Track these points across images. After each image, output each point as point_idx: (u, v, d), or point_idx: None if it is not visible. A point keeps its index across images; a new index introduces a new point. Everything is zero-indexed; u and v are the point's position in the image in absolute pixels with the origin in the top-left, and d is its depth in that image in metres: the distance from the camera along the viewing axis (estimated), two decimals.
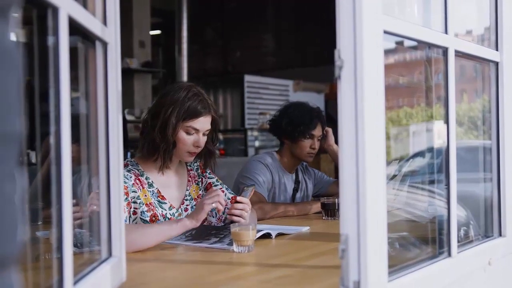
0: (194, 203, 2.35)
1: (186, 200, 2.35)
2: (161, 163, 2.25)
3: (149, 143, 2.22)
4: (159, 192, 2.25)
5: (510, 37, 1.85)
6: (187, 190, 2.36)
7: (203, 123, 2.23)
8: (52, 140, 1.03)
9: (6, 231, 0.56)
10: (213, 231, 2.15)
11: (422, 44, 1.60)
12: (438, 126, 1.90)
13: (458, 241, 1.57)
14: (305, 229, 2.36)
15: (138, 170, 2.23)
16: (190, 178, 2.39)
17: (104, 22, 1.37)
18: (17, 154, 0.59)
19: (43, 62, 1.05)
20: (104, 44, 1.36)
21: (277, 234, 2.17)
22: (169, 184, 2.30)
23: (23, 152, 0.62)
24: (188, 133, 2.21)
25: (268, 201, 2.92)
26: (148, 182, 2.23)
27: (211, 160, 2.38)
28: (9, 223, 0.56)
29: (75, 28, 1.14)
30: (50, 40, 1.04)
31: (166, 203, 2.25)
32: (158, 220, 2.20)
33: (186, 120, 2.19)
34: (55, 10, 1.01)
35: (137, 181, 2.19)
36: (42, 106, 1.08)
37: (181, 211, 2.30)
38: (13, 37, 0.59)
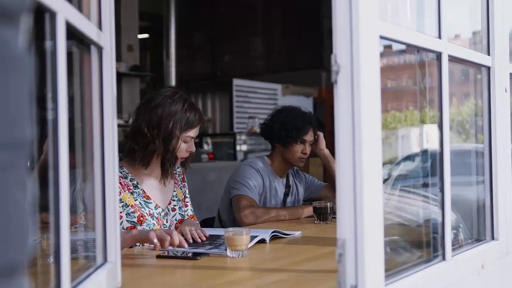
0: (181, 204, 2.45)
1: (174, 200, 2.43)
2: (165, 174, 2.33)
3: (149, 154, 2.27)
4: (145, 192, 2.31)
5: (501, 41, 1.87)
6: (174, 191, 2.44)
7: (197, 130, 2.36)
8: (50, 144, 1.02)
9: (18, 238, 0.56)
10: (207, 240, 2.14)
11: (410, 48, 1.61)
12: (427, 130, 1.92)
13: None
14: (297, 233, 2.36)
15: (121, 173, 2.25)
16: (176, 181, 2.48)
17: (99, 26, 1.36)
18: (27, 161, 0.59)
19: (40, 66, 1.05)
20: (100, 49, 1.36)
21: (271, 237, 2.17)
22: (155, 186, 2.36)
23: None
24: (185, 142, 2.31)
25: (259, 206, 2.92)
26: (133, 184, 2.29)
27: (190, 158, 2.44)
28: (21, 229, 0.56)
29: (71, 33, 1.13)
30: (47, 44, 1.03)
31: (151, 202, 2.31)
32: (146, 219, 2.25)
33: (186, 131, 2.29)
34: (53, 14, 1.00)
35: (119, 184, 2.22)
36: (37, 111, 1.07)
37: (168, 210, 2.38)
38: (23, 43, 0.59)
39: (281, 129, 3.02)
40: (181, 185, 2.50)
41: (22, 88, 0.57)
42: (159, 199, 2.35)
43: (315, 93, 8.71)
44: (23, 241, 0.57)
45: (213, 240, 2.14)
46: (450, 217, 1.55)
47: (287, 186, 3.17)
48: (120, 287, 1.43)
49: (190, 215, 2.47)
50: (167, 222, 2.36)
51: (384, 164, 2.30)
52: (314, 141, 3.11)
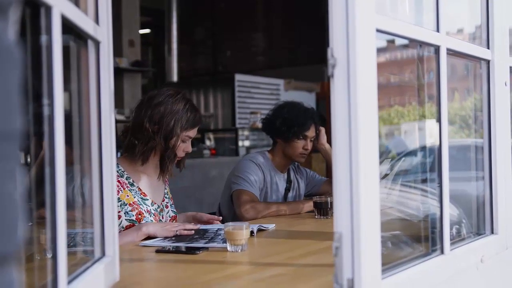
0: (171, 202, 2.50)
1: (166, 198, 2.47)
2: (164, 171, 2.36)
3: (149, 150, 2.30)
4: (140, 189, 2.34)
5: (501, 35, 1.86)
6: (165, 189, 2.49)
7: (196, 131, 2.39)
8: (45, 140, 1.02)
9: (8, 228, 0.56)
10: (195, 235, 2.14)
11: (413, 43, 1.61)
12: (430, 125, 1.91)
13: (451, 239, 1.58)
14: (271, 226, 2.39)
15: (117, 171, 2.26)
16: (166, 180, 2.51)
17: (97, 21, 1.36)
18: (17, 153, 0.60)
19: (35, 60, 1.05)
20: (97, 43, 1.36)
21: (257, 230, 2.23)
22: (149, 183, 2.40)
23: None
24: (183, 141, 2.34)
25: (260, 201, 2.92)
26: (128, 182, 2.32)
27: (185, 158, 2.46)
28: (11, 221, 0.56)
29: (67, 27, 1.13)
30: (43, 38, 1.03)
31: (148, 199, 2.35)
32: (145, 217, 2.28)
33: (186, 130, 2.32)
34: (48, 8, 1.00)
35: (117, 182, 2.24)
36: (34, 106, 1.07)
37: (163, 207, 2.43)
38: (12, 36, 0.59)
39: (283, 125, 3.02)
40: (168, 184, 2.55)
41: (11, 80, 0.57)
42: (154, 196, 2.39)
43: (318, 88, 8.70)
44: (13, 232, 0.57)
45: (202, 234, 2.15)
46: (448, 211, 1.55)
47: (289, 181, 3.17)
48: (118, 281, 1.44)
49: (172, 216, 2.48)
50: (162, 218, 2.38)
51: (386, 159, 2.30)
52: (315, 137, 3.11)
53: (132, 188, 2.31)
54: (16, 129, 0.58)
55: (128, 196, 2.27)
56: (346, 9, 1.17)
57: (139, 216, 2.26)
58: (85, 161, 1.40)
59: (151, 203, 2.35)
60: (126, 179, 2.31)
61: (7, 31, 0.57)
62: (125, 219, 2.24)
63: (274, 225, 2.43)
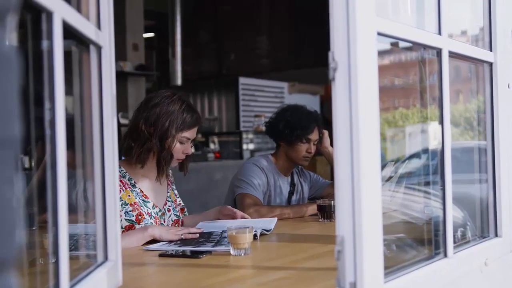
0: (174, 205, 2.49)
1: (168, 201, 2.47)
2: (160, 172, 2.35)
3: (146, 152, 2.29)
4: (142, 191, 2.34)
5: (503, 37, 1.86)
6: (168, 192, 2.48)
7: (195, 132, 2.38)
8: (47, 144, 1.02)
9: (6, 234, 0.56)
10: (201, 239, 2.14)
11: (416, 45, 1.61)
12: (434, 127, 1.91)
13: (455, 242, 1.57)
14: (273, 221, 2.43)
15: (120, 172, 2.27)
16: (169, 183, 2.51)
17: (98, 26, 1.37)
18: (15, 158, 0.60)
19: (37, 66, 1.05)
20: (98, 48, 1.36)
21: (260, 234, 2.22)
22: (151, 187, 2.40)
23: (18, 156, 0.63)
24: (181, 142, 2.33)
25: (263, 204, 2.92)
26: (131, 183, 2.32)
27: (188, 162, 2.46)
28: (8, 226, 0.57)
29: (69, 32, 1.13)
30: (44, 44, 1.04)
31: (149, 202, 2.35)
32: (145, 218, 2.28)
33: (182, 131, 2.31)
34: (49, 14, 1.01)
35: (119, 182, 2.25)
36: (35, 110, 1.08)
37: (165, 210, 2.42)
38: (10, 41, 0.59)
39: (286, 128, 3.02)
40: (173, 187, 2.55)
41: (9, 86, 0.58)
42: (156, 199, 2.39)
43: (322, 91, 8.69)
44: (11, 238, 0.57)
45: (207, 238, 2.14)
46: (451, 214, 1.55)
47: (292, 184, 3.17)
48: (121, 286, 1.44)
49: (175, 220, 2.48)
50: (164, 221, 2.38)
51: (390, 161, 2.29)
52: (319, 140, 3.10)
53: (133, 189, 2.31)
54: (14, 135, 0.58)
55: (129, 196, 2.28)
56: (347, 12, 1.17)
57: (139, 217, 2.26)
58: (88, 166, 1.41)
59: (153, 206, 2.35)
60: (128, 180, 2.31)
61: (5, 37, 0.57)
62: (125, 219, 2.24)
63: (275, 219, 2.45)
